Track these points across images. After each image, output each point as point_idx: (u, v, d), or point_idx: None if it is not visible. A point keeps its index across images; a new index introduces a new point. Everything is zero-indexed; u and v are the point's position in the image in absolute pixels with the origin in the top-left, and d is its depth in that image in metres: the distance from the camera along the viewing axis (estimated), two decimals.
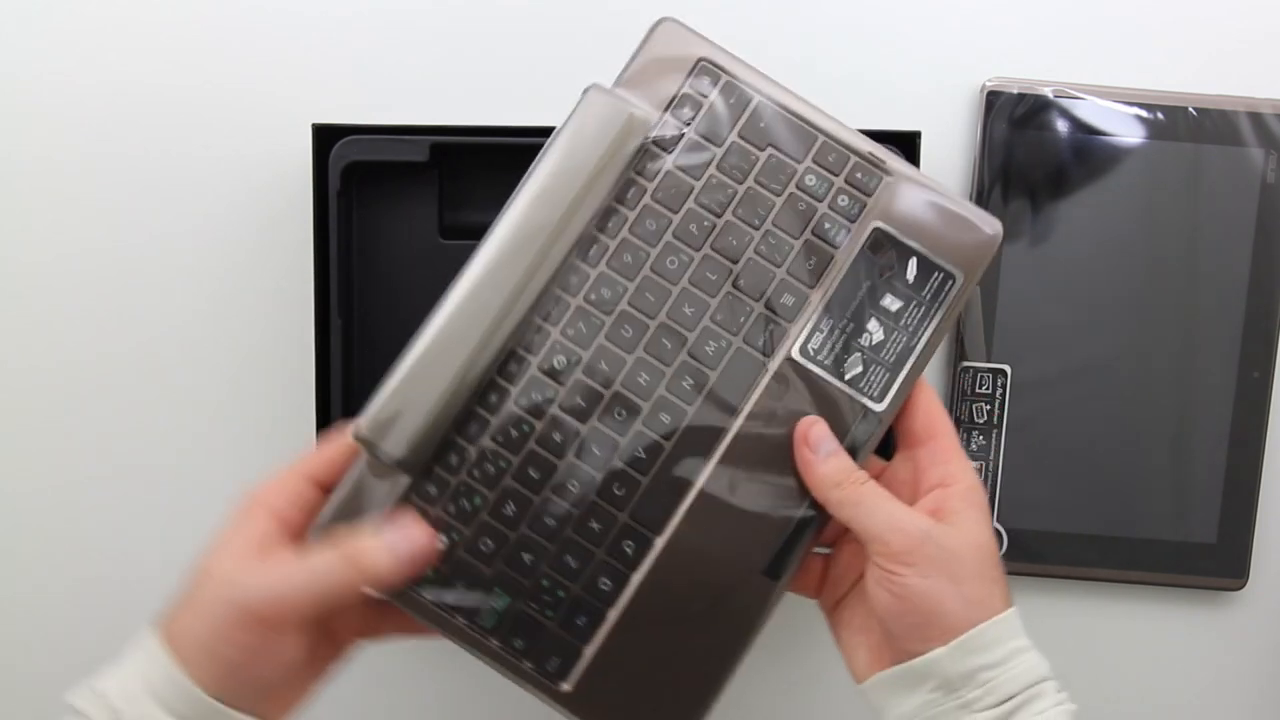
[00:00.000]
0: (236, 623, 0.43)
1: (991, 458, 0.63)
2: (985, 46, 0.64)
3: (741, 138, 0.51)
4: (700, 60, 0.51)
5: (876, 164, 0.50)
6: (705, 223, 0.50)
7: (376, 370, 0.61)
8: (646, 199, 0.50)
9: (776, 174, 0.50)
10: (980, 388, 0.63)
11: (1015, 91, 0.63)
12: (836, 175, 0.50)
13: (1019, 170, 0.63)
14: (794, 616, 0.62)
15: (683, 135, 0.50)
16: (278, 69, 0.63)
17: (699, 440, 0.49)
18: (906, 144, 0.59)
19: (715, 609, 0.48)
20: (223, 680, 0.43)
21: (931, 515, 0.46)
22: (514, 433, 0.49)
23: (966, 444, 0.63)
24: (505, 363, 0.49)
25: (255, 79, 0.63)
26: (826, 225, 0.50)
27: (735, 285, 0.50)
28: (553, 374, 0.49)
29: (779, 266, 0.50)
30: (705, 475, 0.49)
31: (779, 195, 0.50)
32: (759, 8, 0.64)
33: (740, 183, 0.50)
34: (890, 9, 0.64)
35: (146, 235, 0.64)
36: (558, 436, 0.49)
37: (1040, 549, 0.64)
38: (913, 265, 0.50)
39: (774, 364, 0.49)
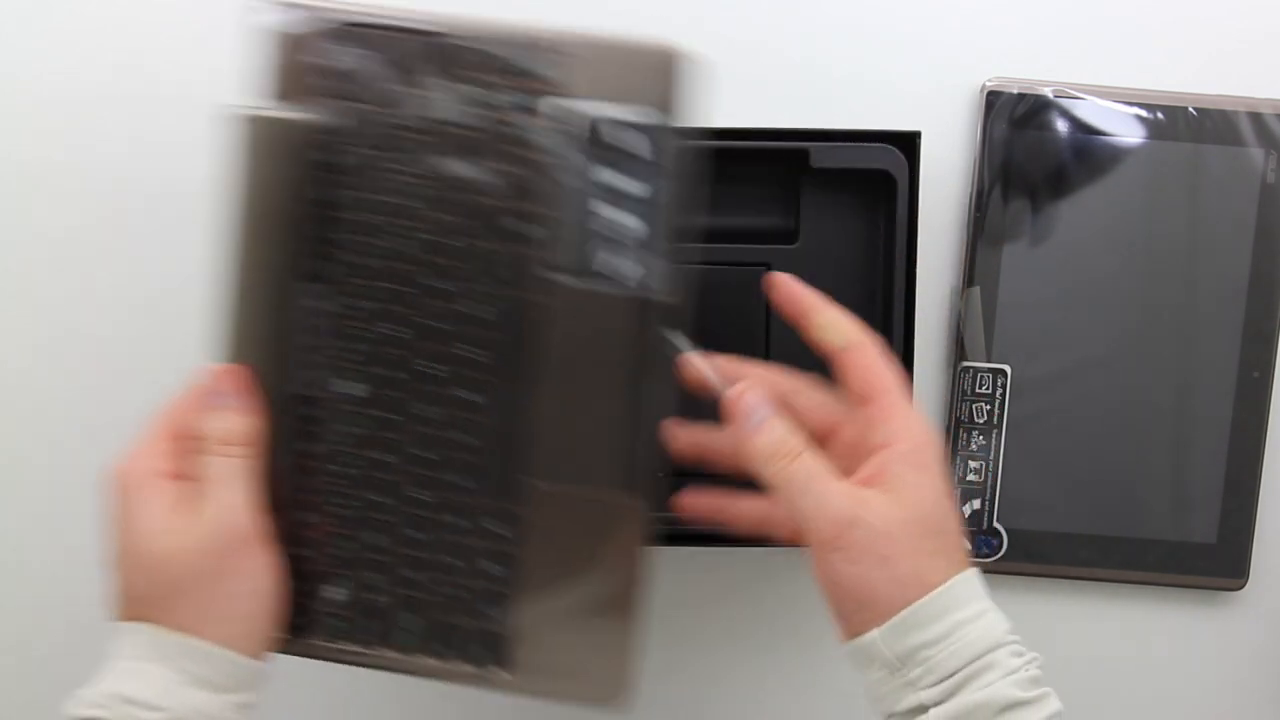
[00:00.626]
0: (252, 554, 0.46)
1: (991, 458, 0.63)
2: (985, 46, 0.64)
3: (404, 86, 0.47)
4: (333, 29, 0.48)
5: (534, 44, 0.47)
6: (412, 188, 0.47)
7: None
8: (348, 194, 0.48)
9: (450, 106, 0.47)
10: (980, 388, 0.63)
11: (1015, 91, 0.63)
12: (502, 76, 0.47)
13: (1019, 170, 0.63)
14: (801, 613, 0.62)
15: (352, 113, 0.47)
16: None
17: (508, 394, 0.48)
18: (906, 144, 0.59)
19: (602, 547, 0.48)
20: (256, 637, 0.46)
21: (869, 481, 0.45)
22: (339, 468, 0.49)
23: (966, 444, 0.63)
24: (296, 408, 0.49)
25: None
26: (514, 132, 0.47)
27: (465, 234, 0.47)
28: (344, 401, 0.48)
29: (491, 196, 0.47)
30: (533, 427, 0.48)
31: (463, 127, 0.47)
32: (759, 8, 0.64)
33: (425, 133, 0.47)
34: (890, 9, 0.64)
35: (147, 235, 0.64)
36: (378, 454, 0.48)
37: (1040, 549, 0.64)
38: (610, 130, 0.47)
39: (531, 290, 0.47)
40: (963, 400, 0.63)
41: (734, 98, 0.64)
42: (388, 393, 0.48)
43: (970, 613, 0.43)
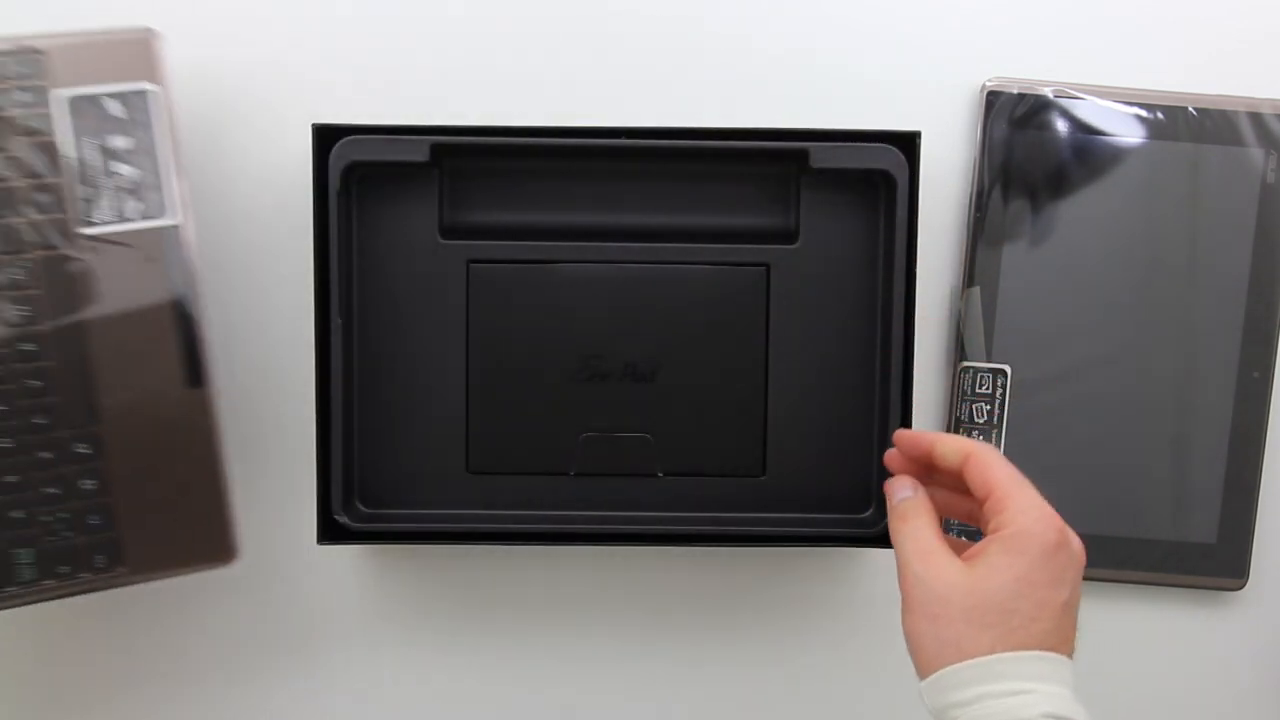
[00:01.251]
0: None
1: None
2: (985, 46, 0.64)
3: None
4: None
5: (25, 51, 0.55)
6: None
7: (376, 370, 0.61)
8: None
9: None
10: (980, 388, 0.63)
11: (1015, 91, 0.63)
12: (4, 80, 0.55)
13: (1019, 170, 0.63)
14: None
15: None
16: (278, 69, 0.63)
17: (59, 340, 0.55)
18: (906, 144, 0.59)
19: (180, 434, 0.57)
20: None
21: (965, 557, 0.48)
22: None
23: None
24: None
25: (255, 79, 0.63)
26: (30, 123, 0.55)
27: None
28: None
29: (21, 177, 0.55)
30: (90, 359, 0.55)
31: None
32: (759, 7, 0.64)
33: None
34: (890, 8, 0.64)
35: None
36: None
37: None
38: (113, 105, 0.56)
39: (63, 248, 0.55)
40: (963, 400, 0.63)
41: (734, 97, 0.64)
42: None
43: (1000, 689, 0.45)
